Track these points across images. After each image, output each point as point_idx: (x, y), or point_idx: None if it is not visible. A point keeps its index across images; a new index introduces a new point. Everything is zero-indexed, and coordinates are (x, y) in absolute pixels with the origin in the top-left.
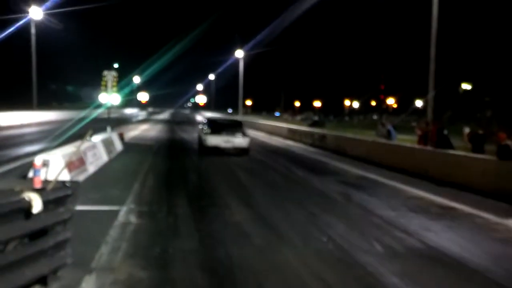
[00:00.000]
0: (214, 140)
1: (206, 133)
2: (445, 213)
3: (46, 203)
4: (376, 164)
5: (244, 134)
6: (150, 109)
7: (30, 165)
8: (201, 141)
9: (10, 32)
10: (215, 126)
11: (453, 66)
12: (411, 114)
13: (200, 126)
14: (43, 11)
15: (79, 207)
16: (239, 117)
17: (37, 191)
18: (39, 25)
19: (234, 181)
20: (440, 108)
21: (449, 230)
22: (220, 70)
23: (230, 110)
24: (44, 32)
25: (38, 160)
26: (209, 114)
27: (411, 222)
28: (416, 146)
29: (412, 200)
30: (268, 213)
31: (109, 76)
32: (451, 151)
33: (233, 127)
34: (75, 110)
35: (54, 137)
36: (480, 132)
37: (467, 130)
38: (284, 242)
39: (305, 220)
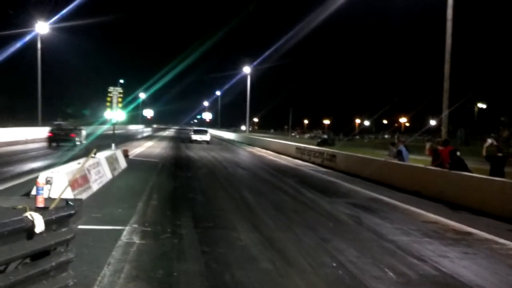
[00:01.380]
0: (194, 137)
1: (192, 134)
2: (461, 239)
3: (48, 223)
4: (388, 186)
5: (207, 134)
6: (155, 126)
7: (34, 182)
8: (189, 138)
9: (18, 48)
10: (195, 131)
11: (468, 84)
12: (424, 133)
13: (190, 133)
14: (49, 25)
15: (82, 226)
16: (246, 134)
17: (40, 210)
18: (46, 42)
19: (241, 202)
20: (454, 127)
21: (465, 257)
22: (227, 86)
23: (243, 127)
24: (51, 49)
25: (41, 178)
26: (213, 131)
27: (425, 248)
28: (430, 167)
29: (426, 224)
30: (275, 236)
31: (115, 92)
32: (466, 173)
33: (203, 131)
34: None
35: (59, 154)
36: (500, 154)
37: (489, 141)
38: (292, 266)
39: (314, 244)
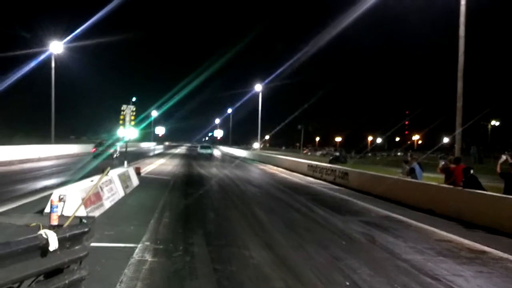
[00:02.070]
0: (200, 150)
1: (199, 148)
2: (475, 257)
3: (62, 240)
4: (401, 204)
5: (210, 149)
6: (167, 143)
7: (47, 199)
8: (197, 151)
9: (32, 67)
10: (201, 146)
11: (482, 101)
12: (437, 150)
13: (197, 148)
14: (63, 44)
15: (95, 244)
16: (257, 151)
17: (54, 227)
18: (60, 61)
19: (253, 220)
20: (468, 144)
21: (480, 276)
22: (239, 104)
23: (255, 145)
24: (65, 67)
25: (55, 196)
26: (225, 148)
27: (439, 267)
28: (443, 185)
29: (440, 242)
30: (288, 254)
31: (128, 110)
32: (480, 192)
33: (207, 147)
34: (92, 144)
35: (74, 171)
36: None
37: (504, 157)
38: (304, 285)
39: (327, 263)
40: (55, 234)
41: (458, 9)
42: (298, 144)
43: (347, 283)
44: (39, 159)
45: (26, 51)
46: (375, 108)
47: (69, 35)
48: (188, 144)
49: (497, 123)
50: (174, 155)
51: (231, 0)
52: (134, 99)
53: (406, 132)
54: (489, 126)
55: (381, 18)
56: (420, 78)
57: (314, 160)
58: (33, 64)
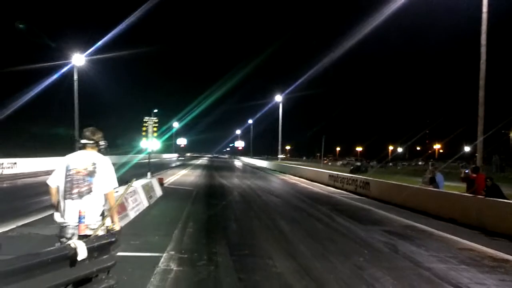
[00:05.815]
0: (215, 154)
1: (214, 154)
2: (498, 266)
3: (90, 250)
4: (422, 213)
5: (215, 155)
6: (189, 154)
7: None
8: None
9: (55, 79)
10: (214, 154)
11: (503, 109)
12: (458, 159)
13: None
14: (85, 56)
15: (121, 253)
16: (278, 162)
17: (82, 237)
18: (82, 73)
19: (275, 230)
20: (489, 153)
21: (502, 284)
22: (259, 115)
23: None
24: (87, 79)
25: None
26: (246, 159)
27: (462, 275)
28: (465, 194)
29: (463, 251)
30: (310, 264)
31: (150, 122)
32: (503, 200)
33: (217, 155)
34: (112, 155)
35: None
36: None
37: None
38: None
39: (350, 273)
40: (83, 244)
41: (480, 17)
42: (318, 154)
43: None
44: None
45: (48, 64)
46: (396, 117)
47: (91, 47)
48: (209, 155)
49: None
50: (196, 166)
51: (254, 13)
52: (155, 110)
53: (427, 142)
54: (511, 135)
55: (403, 28)
56: (441, 87)
57: (335, 170)
58: (55, 76)
